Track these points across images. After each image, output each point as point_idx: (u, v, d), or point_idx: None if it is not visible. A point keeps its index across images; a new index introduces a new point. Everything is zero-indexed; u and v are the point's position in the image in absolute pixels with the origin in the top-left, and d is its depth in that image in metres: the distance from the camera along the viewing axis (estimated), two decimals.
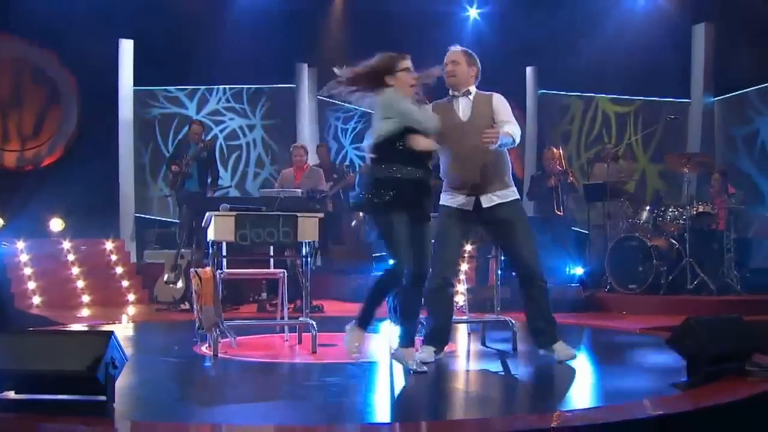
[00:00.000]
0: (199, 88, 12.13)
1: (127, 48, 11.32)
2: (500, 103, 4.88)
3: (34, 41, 10.74)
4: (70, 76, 11.15)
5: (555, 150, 9.76)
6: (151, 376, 4.44)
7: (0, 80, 11.00)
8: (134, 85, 11.49)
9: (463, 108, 4.85)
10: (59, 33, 10.29)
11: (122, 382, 3.70)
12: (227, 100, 12.28)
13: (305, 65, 12.24)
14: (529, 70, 12.59)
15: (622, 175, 9.58)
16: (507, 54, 11.98)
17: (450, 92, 4.92)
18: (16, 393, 3.48)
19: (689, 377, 4.06)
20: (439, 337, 4.90)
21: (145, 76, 11.48)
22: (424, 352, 4.77)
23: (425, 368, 4.43)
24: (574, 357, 4.73)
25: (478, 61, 4.96)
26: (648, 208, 9.06)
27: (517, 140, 4.75)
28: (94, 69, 10.83)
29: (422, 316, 4.91)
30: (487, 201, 4.77)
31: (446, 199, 4.89)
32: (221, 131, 12.21)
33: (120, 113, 11.33)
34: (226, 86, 12.22)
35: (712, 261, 8.48)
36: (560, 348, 4.76)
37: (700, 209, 8.61)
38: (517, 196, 4.90)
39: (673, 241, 8.64)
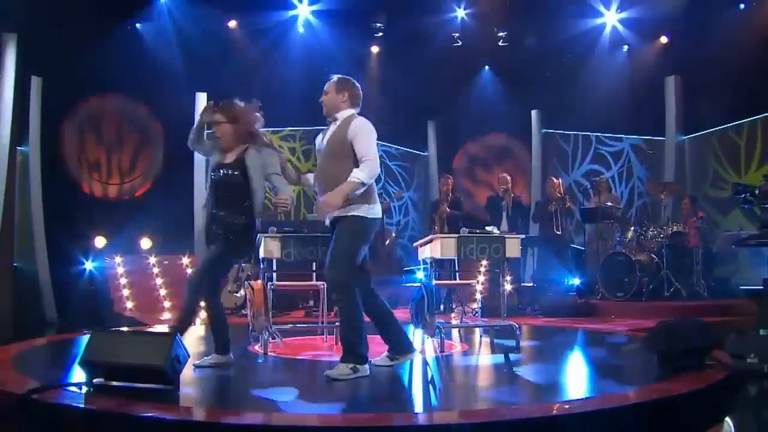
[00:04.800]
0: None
1: (201, 100, 11.49)
2: (356, 133, 4.10)
3: (131, 96, 10.99)
4: (158, 124, 11.38)
5: (555, 180, 9.69)
6: (211, 370, 4.46)
7: (107, 128, 11.25)
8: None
9: (327, 134, 4.28)
10: (150, 89, 10.53)
11: (188, 374, 3.73)
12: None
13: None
14: (533, 113, 12.52)
15: (610, 204, 9.50)
16: (516, 100, 11.99)
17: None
18: (106, 380, 3.53)
19: (660, 371, 4.02)
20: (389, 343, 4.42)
21: None
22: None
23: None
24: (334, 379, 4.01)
25: (354, 86, 4.26)
26: (633, 228, 8.96)
27: (365, 180, 4.01)
28: (176, 117, 11.04)
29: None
30: (330, 217, 4.21)
31: None
32: None
33: (195, 154, 11.48)
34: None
35: (684, 272, 8.45)
36: (338, 368, 4.06)
37: (675, 229, 8.59)
38: (356, 213, 4.09)
39: (653, 256, 8.54)
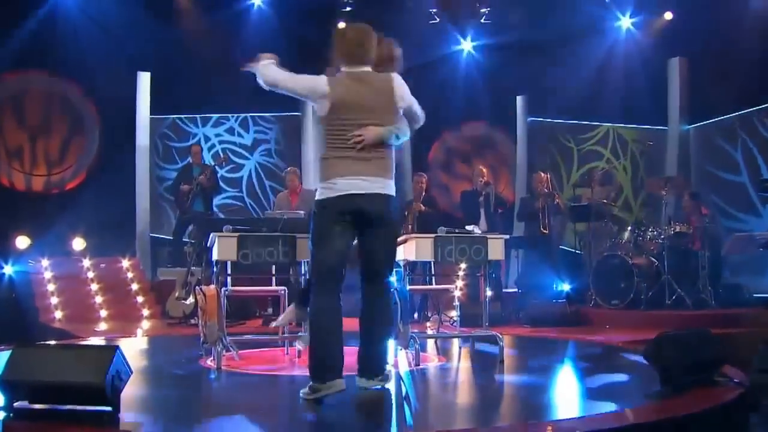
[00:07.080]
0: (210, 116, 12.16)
1: (144, 80, 11.35)
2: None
3: (61, 75, 10.79)
4: (93, 107, 11.21)
5: (542, 174, 9.77)
6: (158, 388, 4.41)
7: (31, 111, 11.07)
8: (150, 114, 11.50)
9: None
10: (84, 67, 10.35)
11: (130, 393, 3.67)
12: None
13: None
14: (519, 99, 12.60)
15: (604, 199, 9.59)
16: (499, 84, 12.03)
17: None
18: (30, 402, 3.44)
19: (662, 388, 4.02)
20: None
21: (161, 106, 11.50)
22: None
23: None
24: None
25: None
26: (629, 228, 9.04)
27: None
28: (114, 99, 10.90)
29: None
30: None
31: None
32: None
33: (137, 140, 11.34)
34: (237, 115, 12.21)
35: (688, 278, 8.48)
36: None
37: (677, 229, 8.63)
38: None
39: (653, 259, 8.61)
